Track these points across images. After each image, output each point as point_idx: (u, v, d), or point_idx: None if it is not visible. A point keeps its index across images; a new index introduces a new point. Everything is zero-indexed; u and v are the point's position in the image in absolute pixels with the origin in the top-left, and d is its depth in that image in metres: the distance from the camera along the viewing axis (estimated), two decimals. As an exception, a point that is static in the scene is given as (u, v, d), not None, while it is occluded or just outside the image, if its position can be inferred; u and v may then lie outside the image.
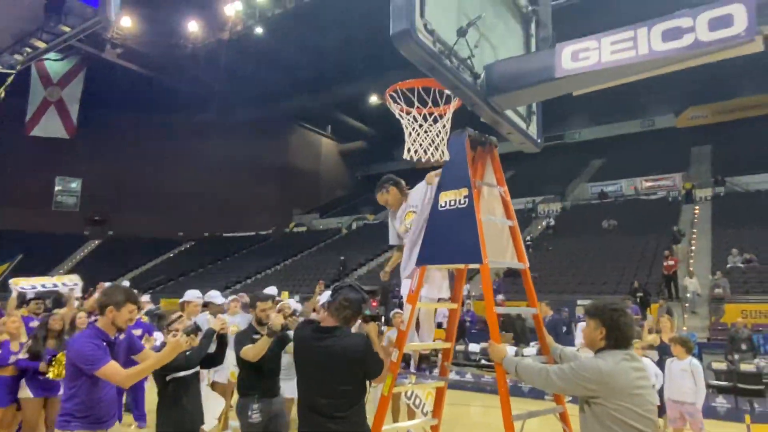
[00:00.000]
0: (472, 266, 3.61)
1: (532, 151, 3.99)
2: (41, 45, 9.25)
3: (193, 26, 30.39)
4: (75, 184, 37.56)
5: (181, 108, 35.90)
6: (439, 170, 3.85)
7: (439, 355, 4.76)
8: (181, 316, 4.14)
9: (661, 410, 6.01)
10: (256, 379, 4.20)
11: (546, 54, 3.01)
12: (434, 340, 4.50)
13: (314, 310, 5.93)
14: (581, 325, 8.02)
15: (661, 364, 6.44)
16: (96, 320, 3.31)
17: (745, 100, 33.55)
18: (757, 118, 32.09)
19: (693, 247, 19.40)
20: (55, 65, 28.08)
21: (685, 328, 12.99)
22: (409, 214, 4.06)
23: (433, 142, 3.48)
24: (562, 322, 11.72)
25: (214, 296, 6.56)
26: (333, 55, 31.71)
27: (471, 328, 14.53)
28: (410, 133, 3.43)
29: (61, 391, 5.42)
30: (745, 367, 10.24)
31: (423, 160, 3.44)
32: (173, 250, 37.46)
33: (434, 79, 2.90)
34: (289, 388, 5.42)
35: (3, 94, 9.60)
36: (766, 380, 9.79)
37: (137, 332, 6.29)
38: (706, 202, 24.37)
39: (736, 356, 10.58)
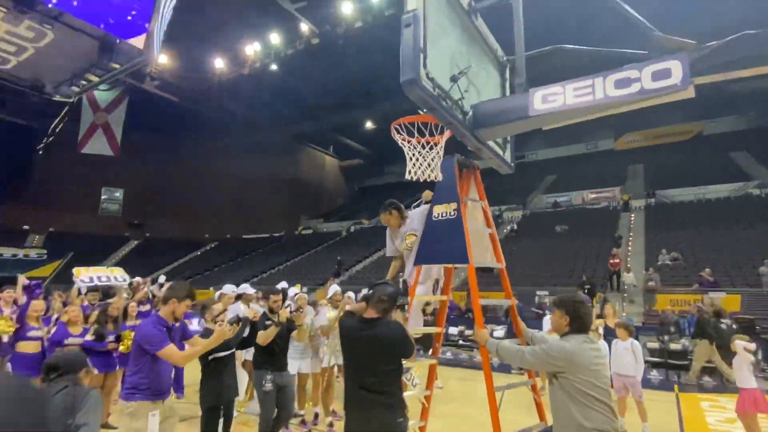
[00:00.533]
0: (459, 266, 3.70)
1: (506, 172, 4.09)
2: (94, 79, 9.24)
3: (219, 63, 30.28)
4: (118, 194, 37.15)
5: (208, 131, 35.78)
6: (429, 192, 3.95)
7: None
8: (224, 311, 4.16)
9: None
10: (268, 356, 4.29)
11: (521, 97, 3.12)
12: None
13: (330, 302, 5.96)
14: (546, 318, 8.11)
15: (607, 345, 6.53)
16: (152, 309, 3.34)
17: (671, 128, 34.12)
18: (681, 142, 32.69)
19: (630, 248, 19.62)
20: (103, 94, 27.84)
21: (624, 314, 13.15)
22: (410, 236, 4.10)
23: (429, 165, 3.56)
24: (522, 309, 11.82)
25: (246, 287, 6.56)
26: (335, 88, 31.87)
27: (450, 314, 14.59)
28: (411, 158, 3.50)
29: (117, 368, 5.42)
30: (673, 346, 10.41)
31: (421, 179, 3.52)
32: (200, 249, 37.17)
33: (432, 115, 2.99)
34: (296, 365, 5.48)
35: (62, 121, 9.58)
36: (690, 357, 9.95)
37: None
38: (640, 211, 24.61)
39: (666, 337, 10.73)
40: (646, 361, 8.86)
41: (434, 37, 2.80)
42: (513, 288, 4.06)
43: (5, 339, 5.02)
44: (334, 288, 6.14)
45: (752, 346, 4.97)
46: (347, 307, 5.73)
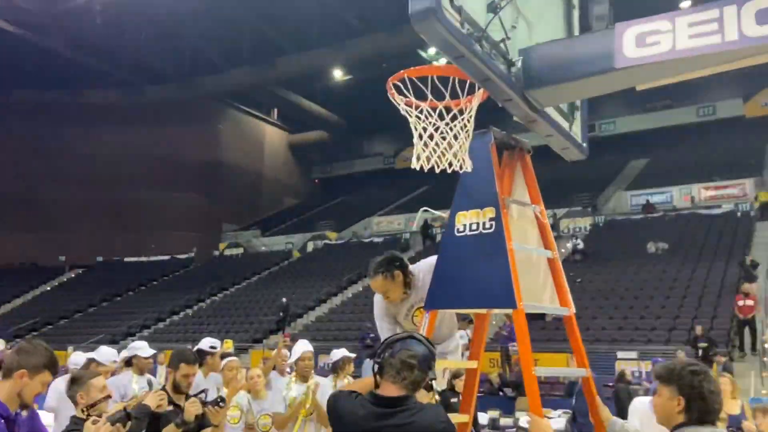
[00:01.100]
0: (498, 311, 3.75)
1: (575, 158, 4.16)
2: None
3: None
4: None
5: (65, 83, 35.51)
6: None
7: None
8: (108, 397, 4.11)
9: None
10: None
11: (602, 37, 3.17)
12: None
13: (281, 373, 5.95)
14: (640, 400, 8.18)
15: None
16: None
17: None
18: None
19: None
20: None
21: (765, 392, 13.27)
22: (418, 311, 4.13)
23: (450, 145, 3.60)
24: (599, 383, 11.85)
25: (140, 348, 6.51)
26: (280, 16, 31.83)
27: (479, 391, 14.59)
28: (420, 134, 3.54)
29: None
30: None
31: (437, 168, 3.55)
32: (52, 281, 36.94)
33: (458, 67, 3.03)
34: None
35: None
36: None
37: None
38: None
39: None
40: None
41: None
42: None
43: None
44: (301, 346, 6.09)
45: None
46: (345, 382, 5.73)
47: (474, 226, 3.78)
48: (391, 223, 36.89)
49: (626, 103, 38.13)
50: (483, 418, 13.58)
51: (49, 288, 36.13)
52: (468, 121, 3.60)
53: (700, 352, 13.47)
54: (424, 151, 3.52)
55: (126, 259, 38.22)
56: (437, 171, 3.54)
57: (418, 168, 3.53)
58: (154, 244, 38.51)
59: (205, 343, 6.32)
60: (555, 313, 3.97)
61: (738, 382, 8.12)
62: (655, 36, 2.96)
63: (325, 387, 5.85)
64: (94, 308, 31.59)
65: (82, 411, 4.01)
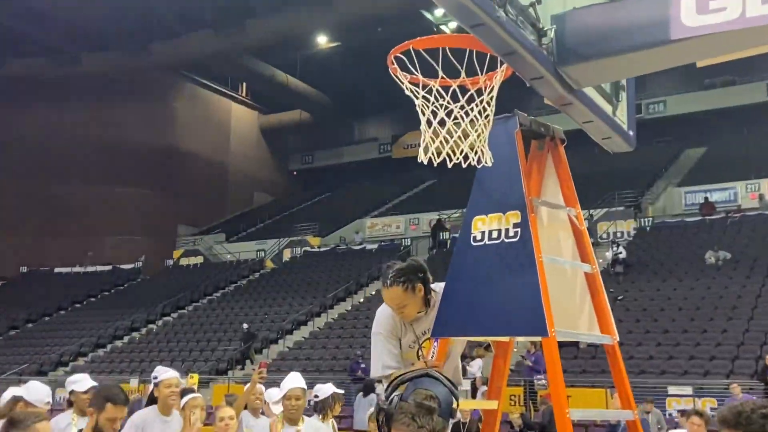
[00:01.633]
0: (523, 339, 3.77)
1: (621, 149, 4.19)
2: None
3: None
4: None
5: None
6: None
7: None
8: None
9: None
10: None
11: (653, 1, 3.19)
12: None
13: (254, 413, 5.94)
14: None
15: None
16: None
17: None
18: None
19: None
20: None
21: None
22: (428, 343, 4.07)
23: (466, 133, 3.63)
24: (647, 425, 11.86)
25: (78, 381, 6.50)
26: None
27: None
28: (429, 120, 3.56)
29: None
30: None
31: (449, 162, 3.57)
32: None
33: (477, 37, 3.05)
34: None
35: None
36: None
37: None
38: None
39: None
40: None
41: None
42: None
43: None
44: (290, 382, 6.06)
45: None
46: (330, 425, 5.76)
47: (495, 234, 3.80)
48: (388, 226, 36.85)
49: (679, 79, 38.23)
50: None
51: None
52: (488, 103, 3.63)
53: (772, 387, 13.56)
54: (433, 140, 3.55)
55: (57, 270, 38.31)
56: (449, 165, 3.56)
57: (426, 161, 3.56)
58: (92, 252, 38.48)
59: (161, 373, 6.21)
60: (595, 341, 3.98)
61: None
62: (719, 1, 2.99)
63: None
64: (16, 330, 31.53)
65: None
